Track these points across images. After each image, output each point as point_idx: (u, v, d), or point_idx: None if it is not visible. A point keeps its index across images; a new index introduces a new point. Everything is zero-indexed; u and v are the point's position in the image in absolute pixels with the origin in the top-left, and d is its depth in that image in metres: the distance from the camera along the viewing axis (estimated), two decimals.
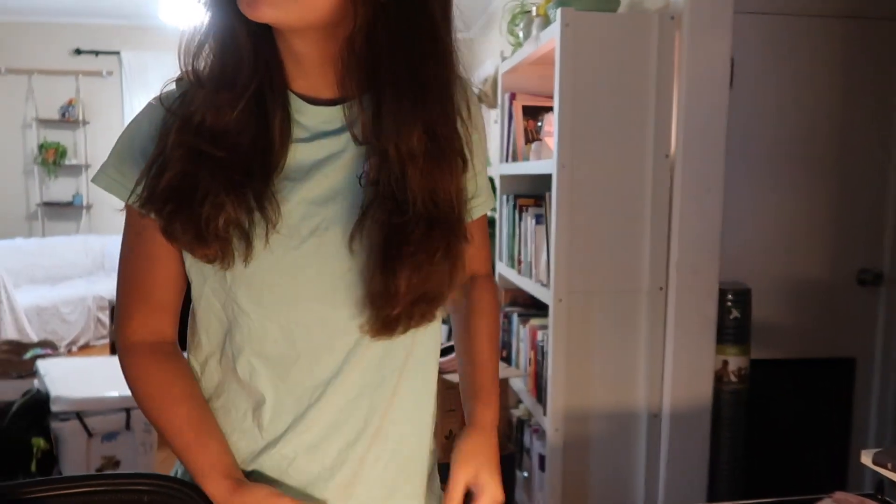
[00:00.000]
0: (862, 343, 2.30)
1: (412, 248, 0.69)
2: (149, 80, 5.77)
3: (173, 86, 0.75)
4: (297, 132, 0.74)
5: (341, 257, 0.73)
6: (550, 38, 1.88)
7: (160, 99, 0.74)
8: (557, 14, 1.79)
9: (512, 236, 2.39)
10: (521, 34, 2.23)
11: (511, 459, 2.37)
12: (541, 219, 2.11)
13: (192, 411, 0.78)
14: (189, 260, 0.76)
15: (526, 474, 2.37)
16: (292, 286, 0.73)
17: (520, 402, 2.45)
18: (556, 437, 1.97)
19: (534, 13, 2.07)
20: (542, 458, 2.15)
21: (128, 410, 2.78)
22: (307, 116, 0.74)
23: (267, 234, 0.71)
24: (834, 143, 2.26)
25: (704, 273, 1.89)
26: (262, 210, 0.70)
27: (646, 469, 1.98)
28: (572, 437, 1.97)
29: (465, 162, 0.75)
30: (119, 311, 0.80)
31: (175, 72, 0.74)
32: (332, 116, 0.74)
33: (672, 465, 1.95)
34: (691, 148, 1.84)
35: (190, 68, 0.72)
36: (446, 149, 0.72)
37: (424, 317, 0.74)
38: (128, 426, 2.78)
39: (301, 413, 0.77)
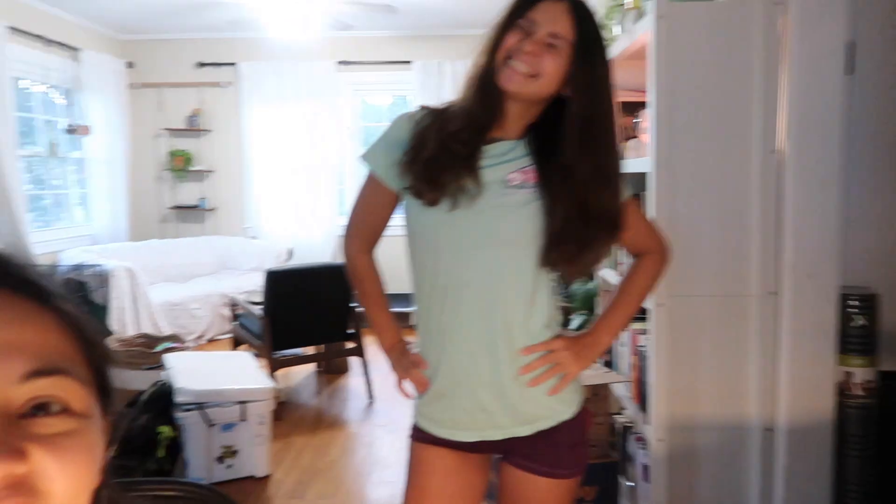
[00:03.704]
0: None
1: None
2: (262, 88, 6.06)
3: (416, 108, 1.27)
4: (487, 159, 1.22)
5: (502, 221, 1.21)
6: (645, 32, 1.79)
7: (412, 115, 1.25)
8: (651, 5, 1.69)
9: None
10: (617, 29, 2.14)
11: (614, 467, 2.29)
12: None
13: (381, 294, 1.38)
14: (414, 208, 1.24)
15: (632, 484, 2.29)
16: (475, 234, 1.21)
17: (622, 408, 2.36)
18: (659, 448, 1.88)
19: (628, 5, 1.97)
20: (645, 469, 2.07)
21: (243, 403, 2.93)
22: (496, 148, 1.22)
23: (471, 197, 1.18)
24: None
25: (822, 277, 1.74)
26: (475, 182, 1.18)
27: (760, 487, 1.85)
28: (678, 449, 1.88)
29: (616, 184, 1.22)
30: (347, 230, 1.36)
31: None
32: (506, 149, 1.23)
33: (790, 483, 1.81)
34: (803, 142, 1.69)
35: (461, 99, 1.22)
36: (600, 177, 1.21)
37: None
38: (244, 417, 2.94)
39: None
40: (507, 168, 1.22)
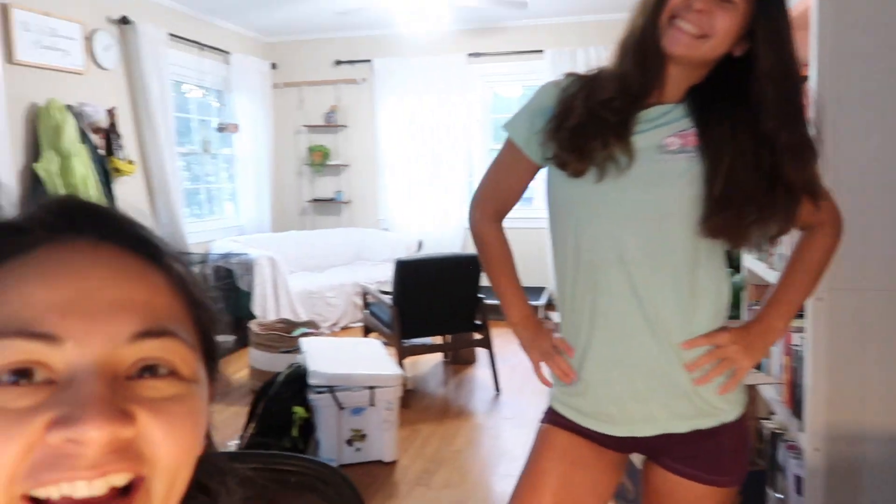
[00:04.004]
0: None
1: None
2: (395, 83, 6.19)
3: (561, 77, 1.19)
4: (640, 124, 1.11)
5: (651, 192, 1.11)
6: None
7: (558, 82, 1.18)
8: None
9: None
10: None
11: (762, 477, 2.11)
12: None
13: (509, 263, 1.30)
14: (557, 179, 1.16)
15: (781, 496, 2.10)
16: (617, 205, 1.12)
17: (772, 412, 2.17)
18: (816, 459, 1.70)
19: None
20: (798, 480, 1.88)
21: (372, 388, 2.99)
22: (651, 112, 1.12)
23: (621, 167, 1.09)
24: None
25: None
26: (626, 151, 1.10)
27: None
28: (838, 461, 1.69)
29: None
30: (475, 196, 1.30)
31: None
32: (663, 112, 1.12)
33: None
34: None
35: (614, 66, 1.13)
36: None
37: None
38: (372, 402, 3.00)
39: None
40: (663, 132, 1.11)
